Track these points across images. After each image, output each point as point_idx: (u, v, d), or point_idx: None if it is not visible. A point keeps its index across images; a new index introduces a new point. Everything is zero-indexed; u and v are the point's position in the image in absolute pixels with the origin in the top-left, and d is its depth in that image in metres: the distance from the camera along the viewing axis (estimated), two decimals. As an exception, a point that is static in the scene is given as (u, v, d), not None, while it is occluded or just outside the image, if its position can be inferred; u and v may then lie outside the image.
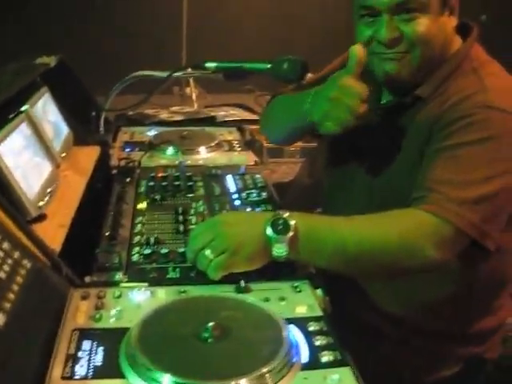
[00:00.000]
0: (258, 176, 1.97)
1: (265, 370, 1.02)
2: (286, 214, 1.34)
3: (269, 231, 1.33)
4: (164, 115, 3.86)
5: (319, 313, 1.25)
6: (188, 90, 6.06)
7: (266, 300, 1.28)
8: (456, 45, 1.60)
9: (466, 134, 1.43)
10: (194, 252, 1.35)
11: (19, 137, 1.61)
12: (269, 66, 1.79)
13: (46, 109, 1.92)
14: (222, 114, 4.22)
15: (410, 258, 1.39)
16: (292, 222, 1.33)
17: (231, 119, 3.86)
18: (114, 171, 2.02)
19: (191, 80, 5.95)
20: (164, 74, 1.98)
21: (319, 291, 1.35)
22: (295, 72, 1.76)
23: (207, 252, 1.32)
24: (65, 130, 2.01)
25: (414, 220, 1.39)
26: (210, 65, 1.90)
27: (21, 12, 5.33)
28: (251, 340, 1.12)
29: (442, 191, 1.39)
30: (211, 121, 3.45)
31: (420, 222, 1.38)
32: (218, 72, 1.91)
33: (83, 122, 2.27)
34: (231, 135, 2.45)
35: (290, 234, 1.32)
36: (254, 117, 4.08)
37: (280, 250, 1.33)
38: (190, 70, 2.03)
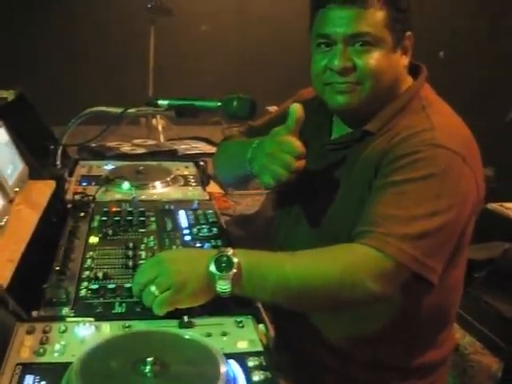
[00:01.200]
0: (209, 211, 2.01)
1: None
2: (230, 252, 1.38)
3: (212, 268, 1.36)
4: (126, 148, 3.91)
5: (260, 348, 1.28)
6: (154, 121, 6.13)
7: (209, 335, 1.31)
8: (407, 83, 1.66)
9: (412, 171, 1.47)
10: (139, 287, 1.38)
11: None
12: (219, 104, 1.84)
13: (0, 143, 1.94)
14: (184, 147, 4.28)
15: (351, 292, 1.42)
16: (235, 260, 1.37)
17: (193, 152, 3.91)
18: (69, 205, 2.04)
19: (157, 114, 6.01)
20: (119, 110, 2.02)
21: (261, 326, 1.38)
22: (244, 110, 1.81)
23: (152, 288, 1.35)
24: (19, 164, 2.02)
25: (356, 254, 1.43)
26: (163, 102, 1.95)
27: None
28: (189, 375, 1.15)
29: (385, 226, 1.42)
30: (173, 154, 3.49)
31: (361, 256, 1.42)
32: (169, 109, 1.96)
33: (40, 156, 2.28)
34: (187, 170, 2.48)
35: (233, 271, 1.36)
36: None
37: (224, 287, 1.36)
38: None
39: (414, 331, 1.66)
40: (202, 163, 2.47)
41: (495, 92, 6.17)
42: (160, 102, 1.96)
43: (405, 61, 1.63)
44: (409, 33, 1.62)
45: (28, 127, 2.32)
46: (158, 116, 5.98)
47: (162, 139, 5.71)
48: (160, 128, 6.02)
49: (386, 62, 1.56)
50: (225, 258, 1.37)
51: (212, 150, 4.24)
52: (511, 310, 2.73)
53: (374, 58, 1.54)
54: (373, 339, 1.66)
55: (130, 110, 2.00)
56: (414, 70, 1.68)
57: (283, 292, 1.43)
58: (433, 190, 1.46)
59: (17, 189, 1.87)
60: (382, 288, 1.40)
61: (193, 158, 2.69)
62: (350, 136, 1.67)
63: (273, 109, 5.02)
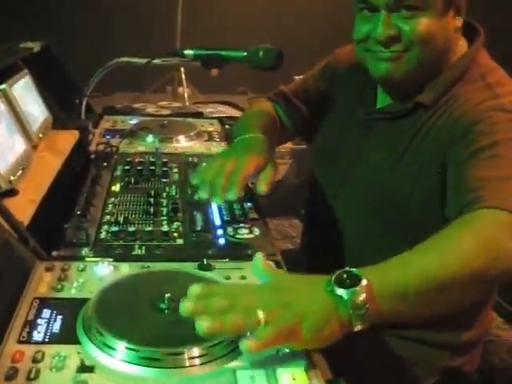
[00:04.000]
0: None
1: (216, 340, 1.04)
2: (347, 268, 1.08)
3: (339, 291, 1.04)
4: (151, 110, 3.91)
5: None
6: (180, 89, 6.11)
7: (227, 278, 1.30)
8: (461, 48, 1.53)
9: (494, 134, 1.34)
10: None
11: (-6, 113, 1.63)
12: (245, 53, 1.81)
13: (24, 91, 1.94)
14: (209, 110, 4.27)
15: (498, 262, 1.14)
16: (357, 272, 1.07)
17: (218, 115, 3.88)
18: (92, 156, 2.04)
19: (184, 79, 6.00)
20: (144, 61, 2.00)
21: (281, 270, 1.37)
22: (270, 60, 1.79)
23: (260, 314, 0.99)
24: (44, 112, 2.03)
25: (485, 222, 1.20)
26: (188, 52, 1.93)
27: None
28: (206, 312, 1.13)
29: (494, 186, 1.25)
30: (198, 116, 3.46)
31: (492, 222, 1.20)
32: (195, 59, 1.94)
33: (65, 107, 2.29)
34: (212, 126, 2.47)
35: (364, 282, 1.05)
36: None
37: (359, 308, 1.03)
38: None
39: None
40: (228, 126, 2.46)
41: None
42: (186, 51, 1.94)
43: (458, 22, 1.47)
44: None
45: (53, 78, 2.31)
46: (185, 83, 5.98)
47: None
48: (186, 96, 6.01)
49: (436, 28, 1.41)
50: (345, 275, 1.06)
51: (237, 114, 4.23)
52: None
53: (422, 24, 1.40)
54: None
55: (155, 61, 1.98)
56: (468, 33, 1.54)
57: (426, 290, 1.10)
58: None
59: (40, 135, 1.87)
60: None
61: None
62: (400, 106, 1.55)
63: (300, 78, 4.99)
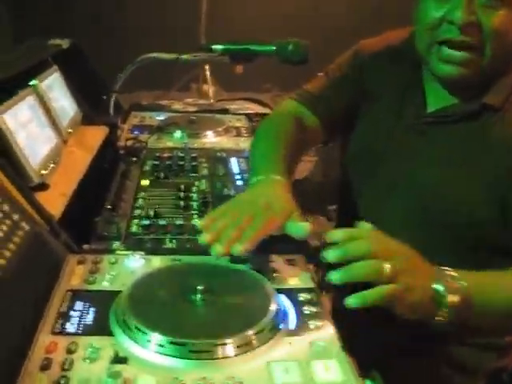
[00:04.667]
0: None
1: (250, 332, 1.04)
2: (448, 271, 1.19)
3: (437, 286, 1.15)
4: (177, 106, 3.91)
5: (310, 285, 1.26)
6: (205, 86, 6.12)
7: (259, 271, 1.29)
8: None
9: None
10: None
11: (26, 108, 1.64)
12: (274, 48, 1.80)
13: (54, 86, 1.95)
14: (235, 107, 4.26)
15: None
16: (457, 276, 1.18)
17: (245, 112, 3.88)
18: (121, 151, 2.04)
19: (209, 76, 6.01)
20: (172, 56, 2.00)
21: (312, 265, 1.36)
22: (299, 54, 1.78)
23: (386, 266, 1.10)
24: (73, 108, 2.04)
25: None
26: (217, 47, 1.93)
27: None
28: (239, 304, 1.13)
29: None
30: (224, 112, 3.46)
31: None
32: (224, 54, 1.93)
33: (94, 104, 2.30)
34: (240, 122, 2.47)
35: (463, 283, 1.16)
36: (269, 111, 4.10)
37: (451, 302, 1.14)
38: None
39: None
40: (256, 121, 2.46)
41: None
42: (214, 46, 1.94)
43: None
44: None
45: (82, 75, 2.33)
46: (210, 80, 5.98)
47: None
48: (211, 93, 6.01)
49: (511, 25, 1.32)
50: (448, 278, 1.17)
51: (263, 110, 4.21)
52: None
53: (502, 18, 1.30)
54: None
55: (183, 56, 1.98)
56: None
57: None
58: None
59: (70, 130, 1.88)
60: None
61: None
62: (463, 108, 1.44)
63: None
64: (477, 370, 1.59)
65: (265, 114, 3.84)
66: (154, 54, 2.08)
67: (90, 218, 1.51)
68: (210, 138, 2.21)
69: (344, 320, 1.18)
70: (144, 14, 6.05)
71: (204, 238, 1.22)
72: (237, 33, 5.03)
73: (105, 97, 2.28)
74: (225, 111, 3.08)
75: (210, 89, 6.03)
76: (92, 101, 2.29)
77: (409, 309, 1.13)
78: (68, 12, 5.70)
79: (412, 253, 1.18)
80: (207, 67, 5.79)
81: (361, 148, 1.68)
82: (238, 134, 2.30)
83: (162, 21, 6.04)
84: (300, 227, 1.26)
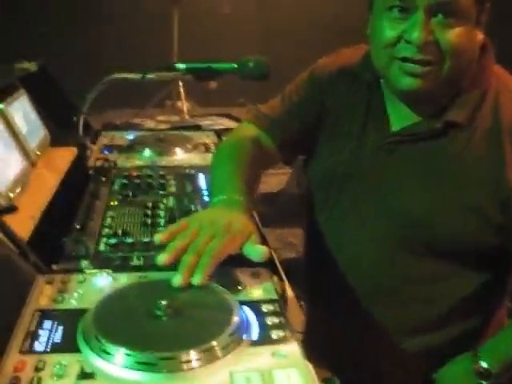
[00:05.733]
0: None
1: (214, 343, 1.07)
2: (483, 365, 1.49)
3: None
4: (150, 125, 3.94)
5: (274, 296, 1.29)
6: (179, 103, 6.15)
7: (224, 285, 1.32)
8: (477, 62, 1.46)
9: None
10: None
11: (-9, 132, 1.67)
12: (235, 65, 1.85)
13: (22, 109, 1.98)
14: (207, 122, 4.29)
15: None
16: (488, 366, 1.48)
17: (217, 128, 3.92)
18: (91, 171, 2.07)
19: (182, 93, 6.05)
20: (139, 76, 2.04)
21: (278, 278, 1.39)
22: (260, 71, 1.82)
23: None
24: (42, 130, 2.07)
25: None
26: (181, 66, 1.97)
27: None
28: (203, 318, 1.16)
29: None
30: (197, 129, 3.50)
31: None
32: (188, 73, 1.98)
33: (62, 125, 2.33)
34: (208, 138, 2.50)
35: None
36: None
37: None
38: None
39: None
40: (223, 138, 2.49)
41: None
42: (178, 65, 1.98)
43: (481, 37, 1.42)
44: (488, 5, 1.40)
45: (50, 97, 2.36)
46: (183, 97, 6.02)
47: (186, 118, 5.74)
48: (185, 109, 6.05)
49: (468, 40, 1.36)
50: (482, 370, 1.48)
51: (235, 125, 4.26)
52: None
53: (459, 35, 1.34)
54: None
55: (149, 76, 2.02)
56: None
57: None
58: None
59: (39, 153, 1.90)
60: None
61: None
62: (427, 127, 1.46)
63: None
64: None
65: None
66: (120, 74, 2.11)
67: (59, 238, 1.53)
68: (178, 156, 2.24)
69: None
70: (116, 33, 6.09)
71: (161, 259, 1.25)
72: (209, 48, 5.13)
73: (74, 118, 2.31)
74: (197, 127, 3.13)
75: (184, 105, 6.07)
76: (61, 122, 2.32)
77: None
78: (38, 34, 5.73)
79: None
80: (181, 84, 5.83)
81: (323, 172, 1.69)
82: (207, 151, 2.33)
83: (135, 39, 6.09)
84: (257, 250, 1.28)
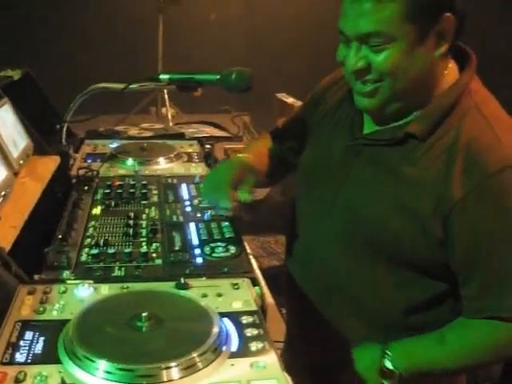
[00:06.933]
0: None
1: (194, 354, 1.09)
2: (388, 363, 1.49)
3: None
4: (134, 132, 3.94)
5: (254, 307, 1.31)
6: (164, 110, 6.16)
7: (204, 296, 1.34)
8: (452, 74, 1.47)
9: (500, 209, 1.37)
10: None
11: (-26, 141, 1.67)
12: (218, 77, 1.86)
13: (5, 118, 1.98)
14: (191, 130, 4.30)
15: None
16: (395, 371, 1.48)
17: (201, 136, 3.93)
18: (73, 180, 2.07)
19: (167, 100, 6.07)
20: (121, 86, 2.05)
21: (257, 288, 1.41)
22: (242, 82, 1.83)
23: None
24: (25, 139, 2.06)
25: (501, 334, 1.44)
26: (164, 76, 1.98)
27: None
28: (183, 329, 1.18)
29: (506, 293, 1.40)
30: (180, 137, 3.50)
31: (507, 334, 1.44)
32: (171, 84, 1.99)
33: (46, 134, 2.32)
34: (191, 147, 2.51)
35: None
36: (225, 134, 4.16)
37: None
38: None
39: None
40: (208, 146, 2.50)
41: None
42: (161, 76, 2.00)
43: (442, 49, 1.40)
44: (447, 14, 1.36)
45: (34, 106, 2.36)
46: (168, 104, 6.04)
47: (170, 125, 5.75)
48: (170, 116, 6.06)
49: (406, 57, 1.37)
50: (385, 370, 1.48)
51: (219, 133, 4.27)
52: None
53: (390, 57, 1.37)
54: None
55: (132, 86, 2.03)
56: (459, 57, 1.49)
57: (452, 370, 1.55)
58: None
59: (21, 161, 1.91)
60: None
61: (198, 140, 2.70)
62: (389, 135, 1.50)
63: (281, 96, 5.09)
64: None
65: (220, 137, 3.90)
66: (102, 84, 2.12)
67: (42, 248, 1.54)
68: (160, 165, 2.26)
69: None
70: (103, 43, 6.13)
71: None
72: (192, 58, 5.15)
73: (58, 126, 2.32)
74: (181, 135, 3.13)
75: (168, 112, 6.09)
76: (44, 131, 2.32)
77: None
78: (25, 42, 5.74)
79: None
80: (165, 91, 5.84)
81: (302, 170, 1.77)
82: (190, 160, 2.34)
83: (122, 48, 6.12)
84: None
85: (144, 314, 1.17)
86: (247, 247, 1.65)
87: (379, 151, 1.52)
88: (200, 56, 6.02)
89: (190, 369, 1.08)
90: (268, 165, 1.87)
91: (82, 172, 2.09)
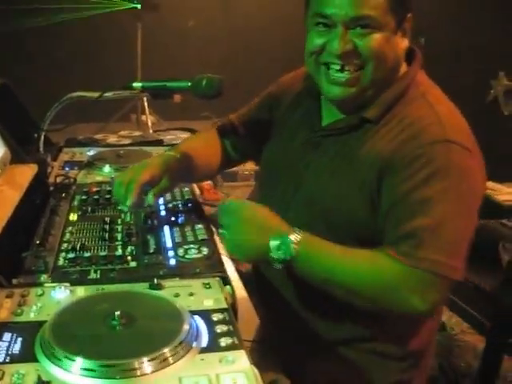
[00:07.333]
0: (186, 189, 2.08)
1: (165, 350, 1.14)
2: (293, 238, 1.48)
3: (273, 251, 1.49)
4: (112, 140, 3.98)
5: (224, 305, 1.37)
6: (144, 117, 6.21)
7: (177, 295, 1.39)
8: (403, 68, 1.63)
9: (429, 174, 1.47)
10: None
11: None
12: (189, 84, 1.92)
13: (-19, 128, 2.02)
14: (169, 137, 4.35)
15: (392, 303, 1.49)
16: (294, 251, 1.48)
17: (177, 142, 3.96)
18: (51, 188, 2.12)
19: (146, 107, 6.11)
20: (96, 95, 2.10)
21: (228, 287, 1.47)
22: (213, 88, 1.89)
23: (223, 231, 1.57)
24: (2, 148, 2.10)
25: (397, 271, 1.46)
26: (137, 85, 2.04)
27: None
28: (155, 326, 1.24)
29: (418, 239, 1.45)
30: (159, 144, 3.55)
31: (402, 273, 1.45)
32: (144, 91, 2.04)
33: (24, 143, 2.36)
34: (167, 153, 2.55)
35: (288, 258, 1.48)
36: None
37: (276, 262, 1.50)
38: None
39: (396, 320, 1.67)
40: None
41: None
42: (134, 84, 2.05)
43: (404, 44, 1.59)
44: (409, 14, 1.57)
45: (11, 115, 2.39)
46: (148, 112, 6.09)
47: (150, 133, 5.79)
48: (150, 123, 6.11)
49: (388, 45, 1.52)
50: (285, 247, 1.48)
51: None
52: (487, 281, 2.81)
53: (376, 41, 1.50)
54: (354, 322, 1.68)
55: (107, 94, 2.08)
56: (407, 54, 1.65)
57: (330, 285, 1.52)
58: (453, 193, 1.47)
59: (-1, 171, 1.95)
60: (427, 304, 1.46)
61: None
62: (346, 122, 1.64)
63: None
64: (382, 379, 1.71)
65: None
66: (78, 93, 2.17)
67: (20, 254, 1.58)
68: (137, 171, 2.29)
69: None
70: (84, 51, 6.16)
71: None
72: (171, 66, 5.19)
73: (35, 135, 2.36)
74: (159, 142, 3.18)
75: (147, 119, 6.13)
76: (22, 139, 2.35)
77: (245, 258, 1.61)
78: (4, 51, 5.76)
79: (248, 215, 1.57)
80: (145, 98, 5.88)
81: (264, 167, 1.90)
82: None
83: (101, 57, 6.16)
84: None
85: (117, 313, 1.22)
86: (222, 249, 1.70)
87: (337, 141, 1.64)
88: (180, 62, 6.07)
89: (161, 364, 1.13)
90: (203, 159, 1.96)
91: (59, 179, 2.14)
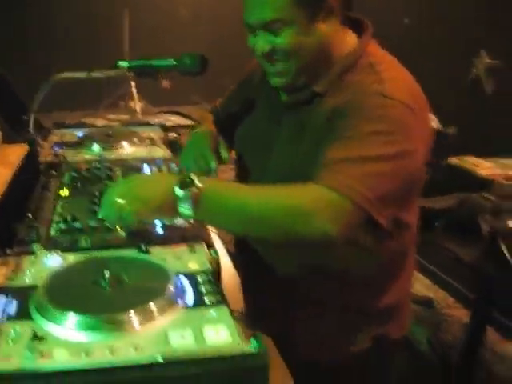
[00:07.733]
0: (173, 165, 2.15)
1: (151, 305, 1.22)
2: (194, 177, 1.45)
3: (176, 189, 1.44)
4: (101, 123, 4.06)
5: (208, 267, 1.45)
6: (133, 104, 6.25)
7: (163, 259, 1.46)
8: (349, 42, 1.69)
9: (361, 119, 1.53)
10: (109, 206, 1.53)
11: None
12: (174, 62, 1.98)
13: (-27, 109, 2.08)
14: (158, 120, 4.43)
15: (305, 229, 1.44)
16: (198, 184, 1.44)
17: (168, 125, 4.02)
18: (42, 166, 2.18)
19: (135, 93, 6.15)
20: (83, 74, 2.16)
21: (212, 251, 1.54)
22: (196, 66, 1.96)
23: (121, 201, 1.49)
24: (-7, 129, 2.17)
25: (312, 193, 1.46)
26: (123, 63, 2.10)
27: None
28: (142, 286, 1.31)
29: (338, 167, 1.48)
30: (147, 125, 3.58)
31: (317, 195, 1.45)
32: (130, 70, 2.11)
33: (14, 124, 2.43)
34: (154, 133, 2.62)
35: (195, 191, 1.43)
36: (190, 122, 4.27)
37: (185, 208, 1.45)
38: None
39: (369, 274, 1.73)
40: (175, 134, 2.61)
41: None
42: (121, 63, 2.11)
43: (334, 22, 1.64)
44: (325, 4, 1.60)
45: (1, 97, 2.45)
46: (136, 97, 6.13)
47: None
48: (138, 109, 6.15)
49: (302, 38, 1.61)
50: (189, 181, 1.44)
51: (186, 122, 4.39)
52: (468, 253, 2.89)
53: (287, 37, 1.60)
54: (326, 279, 1.73)
55: (94, 74, 2.14)
56: (357, 26, 1.71)
57: (239, 218, 1.49)
58: (381, 136, 1.50)
59: (-10, 150, 2.01)
60: (337, 229, 1.42)
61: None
62: (297, 97, 1.74)
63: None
64: (357, 333, 1.80)
65: (186, 126, 3.98)
66: (66, 74, 2.22)
67: (13, 226, 1.65)
68: (124, 149, 2.36)
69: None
70: (71, 32, 6.18)
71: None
72: (159, 45, 5.25)
73: (25, 117, 2.42)
74: (147, 124, 3.23)
75: (136, 105, 6.18)
76: (13, 121, 2.42)
77: (157, 214, 1.56)
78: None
79: (137, 178, 1.71)
80: (133, 84, 5.93)
81: (237, 146, 2.00)
82: (152, 144, 2.45)
83: (89, 38, 6.18)
84: None
85: (107, 275, 1.30)
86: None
87: (295, 116, 1.74)
88: (169, 49, 6.11)
89: (147, 318, 1.20)
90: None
91: (49, 158, 2.20)
